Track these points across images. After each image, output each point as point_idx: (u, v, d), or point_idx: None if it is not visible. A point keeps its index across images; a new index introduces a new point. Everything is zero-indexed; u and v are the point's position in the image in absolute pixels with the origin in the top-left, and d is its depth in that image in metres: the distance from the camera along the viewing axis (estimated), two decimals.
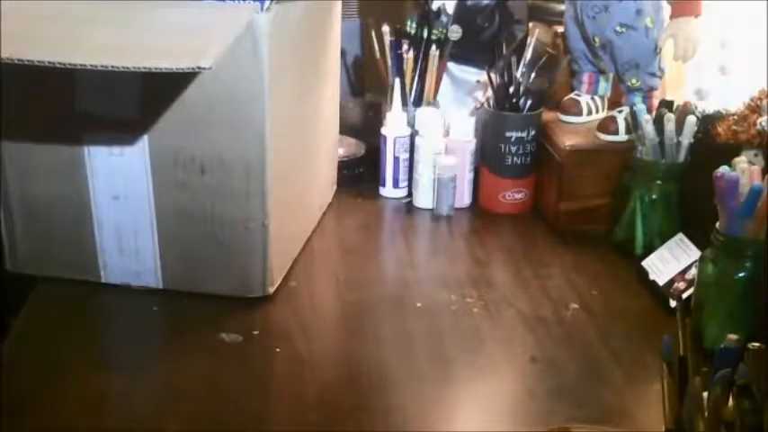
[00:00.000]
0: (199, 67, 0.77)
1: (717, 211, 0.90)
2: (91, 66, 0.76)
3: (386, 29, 1.30)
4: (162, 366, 0.91)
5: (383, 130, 1.29)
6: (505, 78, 1.25)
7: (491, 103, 1.27)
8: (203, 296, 1.00)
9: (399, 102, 1.28)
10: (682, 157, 1.09)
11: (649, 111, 1.12)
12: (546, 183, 1.26)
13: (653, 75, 1.19)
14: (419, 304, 1.02)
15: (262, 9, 0.88)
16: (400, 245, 1.23)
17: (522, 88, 1.25)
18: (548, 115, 1.28)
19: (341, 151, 1.34)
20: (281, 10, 0.91)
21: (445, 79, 1.35)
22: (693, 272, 0.97)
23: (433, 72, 1.31)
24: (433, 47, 1.31)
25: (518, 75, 1.26)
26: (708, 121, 1.08)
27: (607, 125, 1.21)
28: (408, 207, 1.30)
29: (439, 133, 1.27)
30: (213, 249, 0.98)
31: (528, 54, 1.27)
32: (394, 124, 1.28)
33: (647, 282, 1.05)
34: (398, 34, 1.31)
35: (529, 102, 1.26)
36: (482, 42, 1.33)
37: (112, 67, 0.77)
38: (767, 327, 0.86)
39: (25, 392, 0.84)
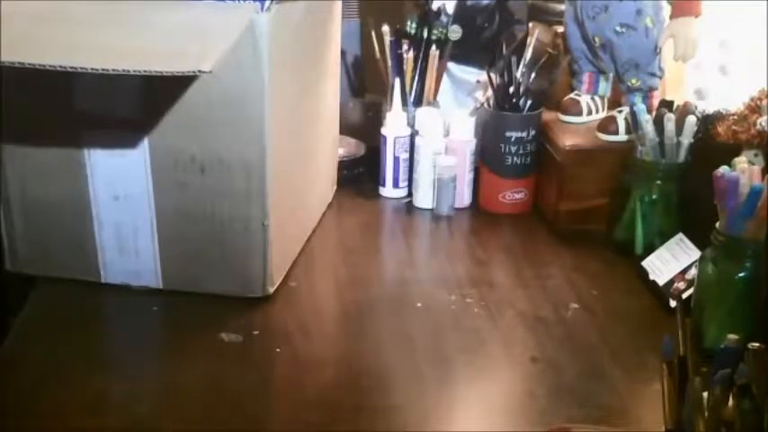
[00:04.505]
0: (199, 71, 0.77)
1: (717, 211, 0.90)
2: (92, 69, 0.76)
3: (386, 29, 1.30)
4: (162, 366, 0.91)
5: (383, 130, 1.29)
6: (505, 78, 1.25)
7: (491, 103, 1.27)
8: (203, 296, 1.00)
9: (399, 102, 1.28)
10: (682, 157, 1.09)
11: (649, 111, 1.11)
12: (546, 183, 1.26)
13: (653, 75, 1.19)
14: (419, 304, 1.02)
15: (262, 9, 0.88)
16: (400, 245, 1.23)
17: (522, 88, 1.25)
18: (548, 115, 1.28)
19: (341, 151, 1.34)
20: (281, 10, 0.91)
21: (445, 79, 1.35)
22: (693, 272, 0.97)
23: (433, 72, 1.32)
24: (433, 47, 1.31)
25: (518, 75, 1.26)
26: (708, 121, 1.08)
27: (607, 125, 1.21)
28: (408, 207, 1.30)
29: (439, 133, 1.27)
30: (213, 249, 0.98)
31: (528, 54, 1.27)
32: (394, 124, 1.28)
33: (647, 282, 1.05)
34: (398, 34, 1.31)
35: (529, 102, 1.26)
36: (482, 42, 1.33)
37: (113, 70, 0.77)
38: (767, 327, 0.86)
39: (25, 392, 0.84)
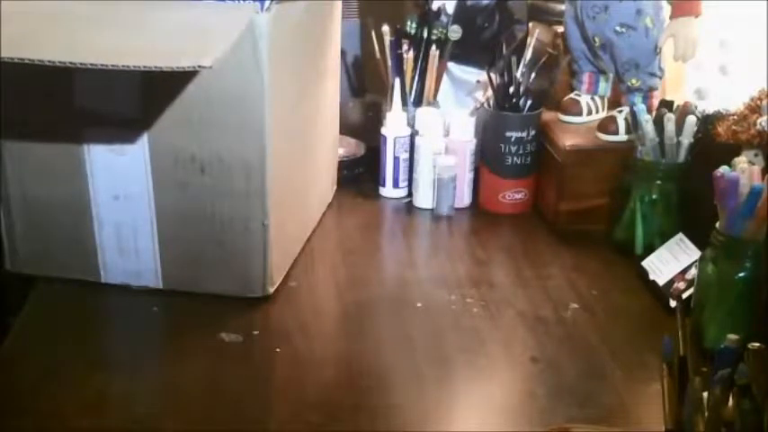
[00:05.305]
0: (200, 66, 0.77)
1: (717, 211, 0.90)
2: (91, 65, 0.76)
3: (386, 29, 1.30)
4: (162, 366, 0.91)
5: (383, 130, 1.29)
6: (505, 78, 1.25)
7: (491, 103, 1.27)
8: (203, 296, 1.00)
9: (399, 102, 1.28)
10: (682, 157, 1.09)
11: (649, 111, 1.11)
12: (546, 183, 1.26)
13: (653, 75, 1.19)
14: (419, 304, 1.02)
15: (262, 9, 0.88)
16: (400, 245, 1.23)
17: (522, 88, 1.25)
18: (548, 115, 1.28)
19: (341, 151, 1.34)
20: (281, 10, 0.91)
21: (445, 79, 1.35)
22: (693, 272, 0.97)
23: (433, 72, 1.31)
24: (433, 47, 1.31)
25: (518, 75, 1.26)
26: (708, 121, 1.08)
27: (607, 125, 1.21)
28: (408, 207, 1.30)
29: (439, 133, 1.27)
30: (213, 249, 0.98)
31: (528, 54, 1.27)
32: (394, 124, 1.28)
33: (647, 282, 1.05)
34: (398, 34, 1.31)
35: (529, 102, 1.26)
36: (482, 42, 1.33)
37: (113, 66, 0.77)
38: (767, 327, 0.86)
39: (25, 392, 0.84)
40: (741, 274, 0.89)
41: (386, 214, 1.29)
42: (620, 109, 1.22)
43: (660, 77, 1.20)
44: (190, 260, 1.00)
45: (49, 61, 0.76)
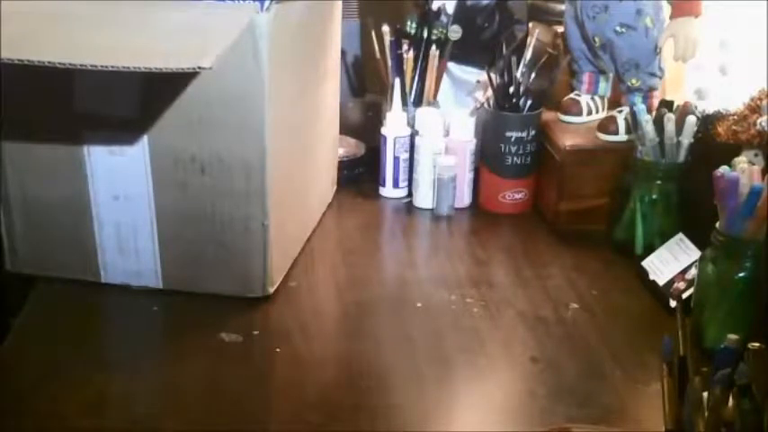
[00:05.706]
0: (199, 68, 0.77)
1: (717, 211, 0.90)
2: (91, 66, 0.76)
3: (386, 29, 1.30)
4: (162, 366, 0.91)
5: (383, 130, 1.29)
6: (505, 78, 1.25)
7: (491, 103, 1.27)
8: (203, 296, 1.00)
9: (399, 102, 1.28)
10: (682, 157, 1.09)
11: (649, 111, 1.11)
12: (546, 183, 1.26)
13: (653, 75, 1.19)
14: (419, 304, 1.02)
15: (262, 9, 0.88)
16: (400, 245, 1.23)
17: (522, 88, 1.25)
18: (548, 115, 1.28)
19: (341, 151, 1.34)
20: (281, 10, 0.91)
21: (445, 79, 1.35)
22: (693, 272, 0.97)
23: (433, 72, 1.31)
24: (433, 47, 1.31)
25: (518, 75, 1.26)
26: (708, 121, 1.08)
27: (607, 125, 1.21)
28: (408, 207, 1.30)
29: (439, 133, 1.27)
30: (213, 249, 0.98)
31: (528, 54, 1.27)
32: (394, 124, 1.28)
33: (647, 282, 1.05)
34: (398, 34, 1.31)
35: (529, 102, 1.26)
36: (482, 42, 1.33)
37: (112, 67, 0.77)
38: (767, 327, 0.86)
39: (25, 392, 0.84)
40: (741, 274, 0.89)
41: (386, 214, 1.29)
42: (620, 109, 1.22)
43: (660, 77, 1.20)
44: (190, 260, 1.00)
45: (49, 62, 0.76)
